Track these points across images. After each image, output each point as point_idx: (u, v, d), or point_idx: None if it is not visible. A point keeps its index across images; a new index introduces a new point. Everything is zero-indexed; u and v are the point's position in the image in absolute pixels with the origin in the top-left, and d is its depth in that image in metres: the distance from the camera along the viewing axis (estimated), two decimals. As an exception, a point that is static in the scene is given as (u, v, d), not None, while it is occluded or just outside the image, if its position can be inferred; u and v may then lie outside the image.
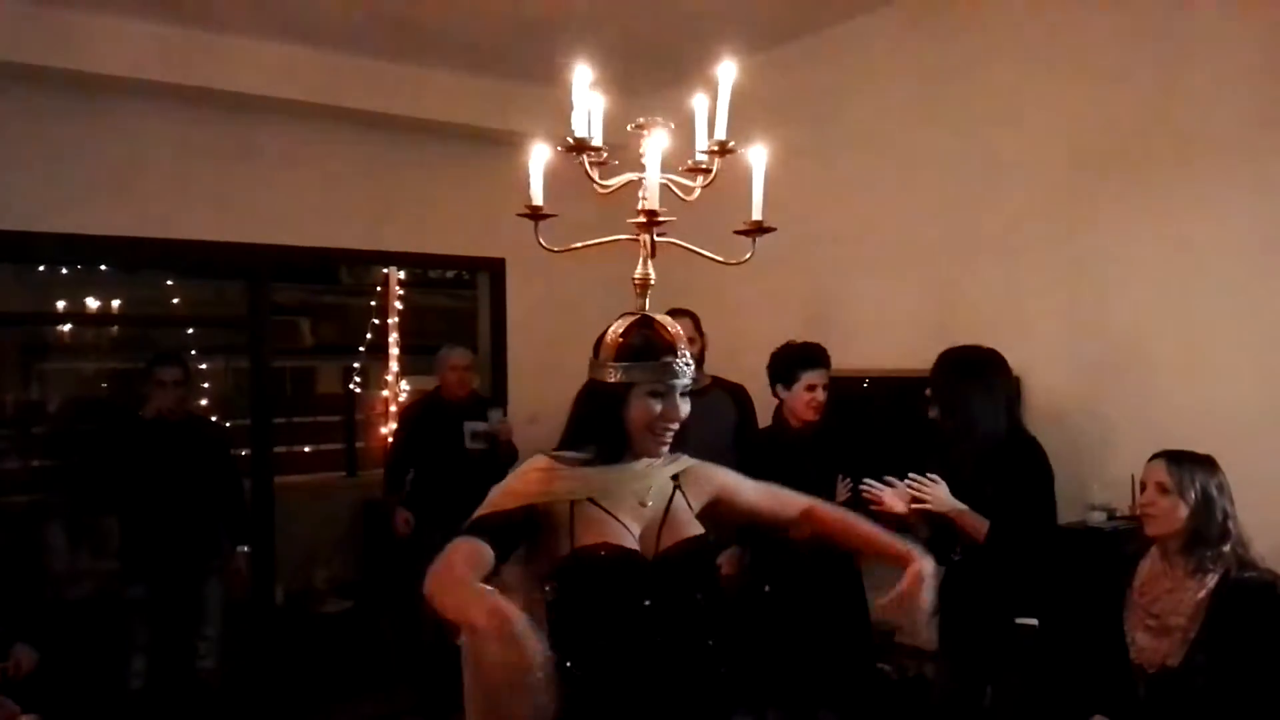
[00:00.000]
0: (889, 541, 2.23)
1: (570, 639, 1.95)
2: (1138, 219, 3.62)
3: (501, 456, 4.81)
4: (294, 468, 6.88)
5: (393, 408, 7.18)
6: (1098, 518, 3.45)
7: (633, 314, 2.03)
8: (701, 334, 4.28)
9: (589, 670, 1.91)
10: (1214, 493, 2.65)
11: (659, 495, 2.03)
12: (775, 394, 3.85)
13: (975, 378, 3.23)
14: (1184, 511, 2.64)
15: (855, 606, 3.77)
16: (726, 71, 2.05)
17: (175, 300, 6.99)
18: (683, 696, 1.94)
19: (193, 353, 6.36)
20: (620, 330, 2.00)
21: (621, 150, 2.09)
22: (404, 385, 7.32)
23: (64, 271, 6.33)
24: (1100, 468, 3.54)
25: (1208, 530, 2.63)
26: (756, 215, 2.14)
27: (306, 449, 7.61)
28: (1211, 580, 2.60)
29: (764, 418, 4.14)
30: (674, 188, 2.12)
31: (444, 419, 5.07)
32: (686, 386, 1.99)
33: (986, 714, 3.26)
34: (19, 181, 4.48)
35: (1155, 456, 2.76)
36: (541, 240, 2.15)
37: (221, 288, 6.95)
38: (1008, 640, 3.12)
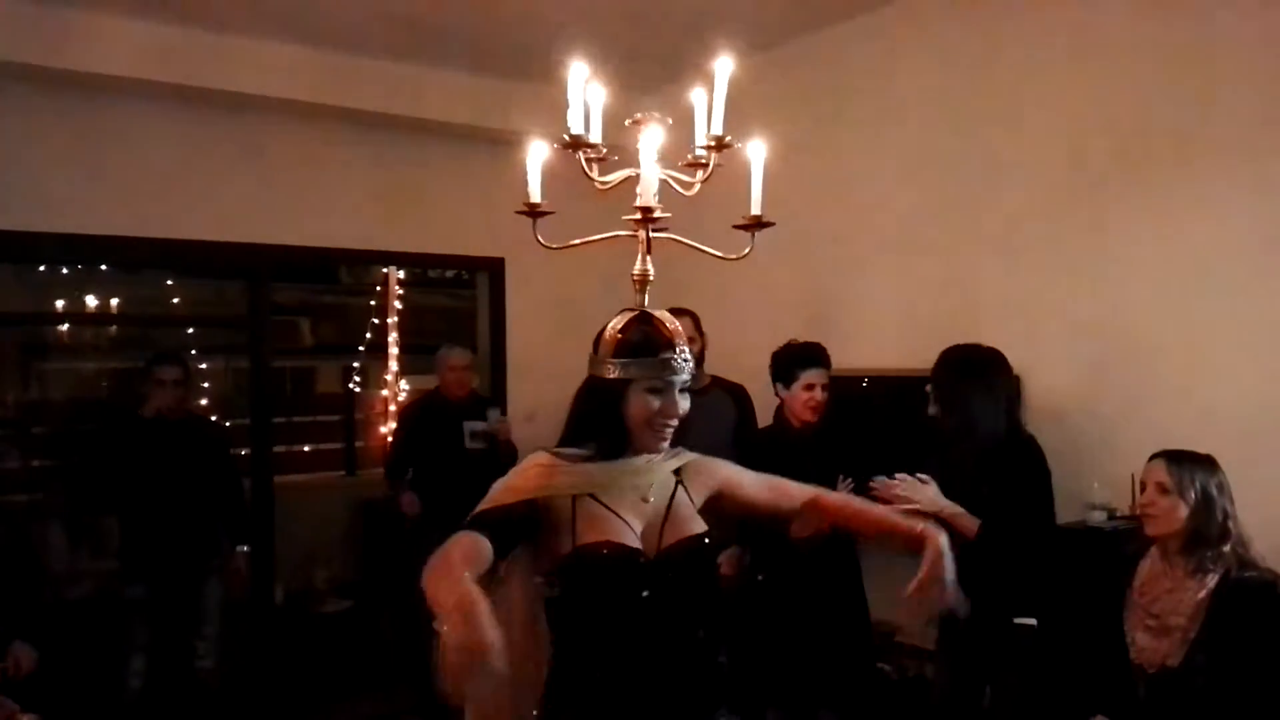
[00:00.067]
0: (899, 521, 2.24)
1: (571, 636, 1.95)
2: (1138, 219, 3.62)
3: (501, 456, 4.81)
4: (294, 467, 6.88)
5: (392, 407, 7.18)
6: (1098, 517, 3.45)
7: (632, 310, 2.03)
8: (701, 334, 4.28)
9: (590, 666, 1.92)
10: (1214, 492, 2.65)
11: (661, 491, 2.03)
12: (776, 393, 3.85)
13: (976, 377, 3.23)
14: (1184, 511, 2.64)
15: (855, 606, 3.77)
16: (723, 66, 2.04)
17: (175, 300, 6.99)
18: (676, 689, 1.94)
19: (192, 352, 6.36)
20: (619, 326, 2.00)
21: (623, 149, 2.09)
22: (403, 385, 7.32)
23: (64, 271, 6.33)
24: (1100, 467, 3.54)
25: (1208, 530, 2.63)
26: (756, 210, 2.14)
27: (306, 448, 7.61)
28: (1212, 580, 2.60)
29: (764, 418, 4.14)
30: (673, 183, 2.12)
31: (443, 418, 5.07)
32: (685, 382, 1.99)
33: (986, 714, 3.27)
34: (19, 181, 4.47)
35: (1155, 456, 2.76)
36: (540, 238, 2.15)
37: (221, 287, 6.95)
38: (1006, 640, 3.13)
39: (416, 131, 5.42)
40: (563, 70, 2.05)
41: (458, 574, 1.62)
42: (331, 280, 8.19)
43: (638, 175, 2.03)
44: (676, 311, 3.65)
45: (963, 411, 3.21)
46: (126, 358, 6.79)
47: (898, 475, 3.14)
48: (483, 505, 1.93)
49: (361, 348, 7.60)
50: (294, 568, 6.00)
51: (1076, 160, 3.80)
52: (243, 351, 5.55)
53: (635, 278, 2.08)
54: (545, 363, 5.23)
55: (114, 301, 7.00)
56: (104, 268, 6.26)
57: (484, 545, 1.80)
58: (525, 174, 2.14)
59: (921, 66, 4.37)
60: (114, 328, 7.40)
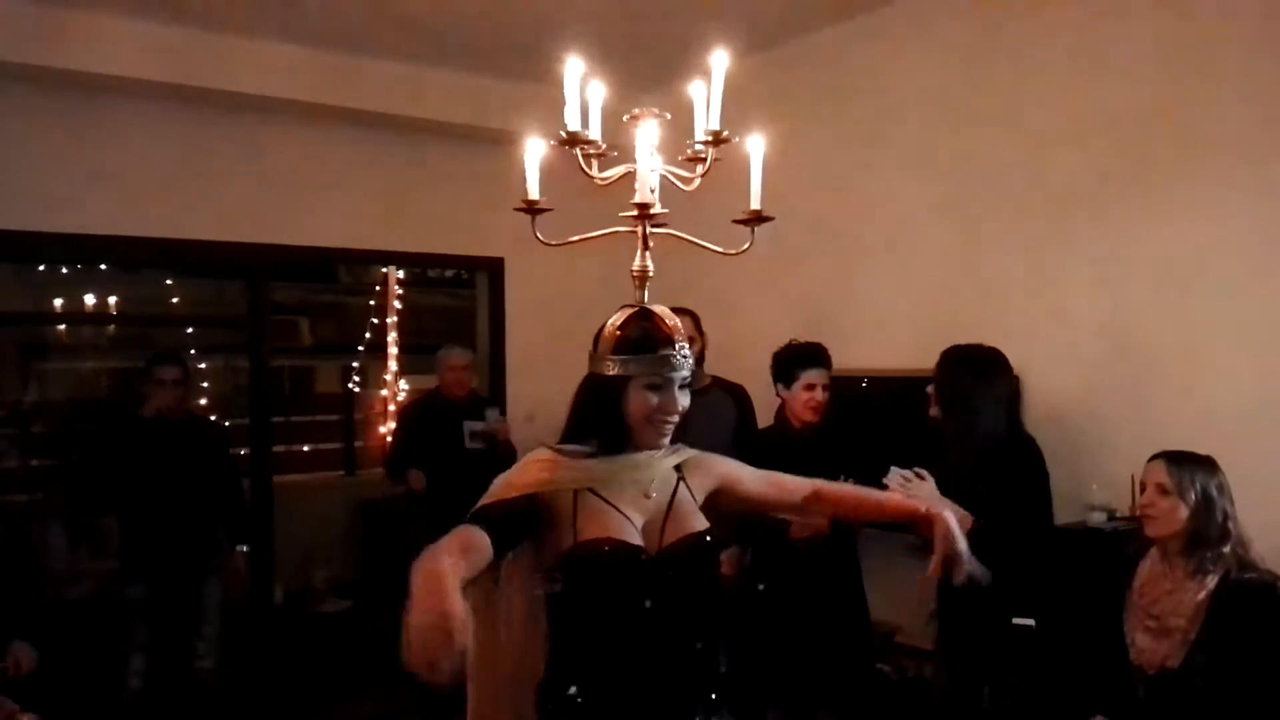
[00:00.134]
0: (903, 503, 2.26)
1: (571, 634, 1.95)
2: (1138, 219, 3.62)
3: (499, 456, 4.81)
4: (293, 467, 6.88)
5: (391, 407, 7.18)
6: (1097, 518, 3.44)
7: (632, 306, 2.04)
8: (701, 333, 4.28)
9: (588, 665, 1.92)
10: (1214, 493, 2.65)
11: (663, 486, 2.03)
12: (777, 393, 3.86)
13: (977, 376, 3.23)
14: (1184, 512, 2.64)
15: (855, 607, 3.77)
16: (719, 60, 2.04)
17: (175, 299, 6.98)
18: (674, 692, 1.93)
19: (192, 352, 6.36)
20: (619, 323, 2.00)
21: (624, 147, 2.09)
22: (403, 384, 7.32)
23: (64, 271, 6.33)
24: (1100, 468, 3.54)
25: (1208, 531, 2.63)
26: (755, 204, 2.14)
27: (305, 448, 7.60)
28: (1211, 581, 2.60)
29: (765, 418, 4.14)
30: (673, 179, 2.12)
31: (443, 418, 5.07)
32: (685, 379, 1.99)
33: (985, 715, 3.27)
34: (19, 181, 4.47)
35: (1155, 457, 2.76)
36: (539, 234, 2.15)
37: (221, 287, 6.94)
38: (1005, 641, 3.12)
39: (416, 131, 5.42)
40: (561, 69, 2.05)
41: (440, 559, 1.62)
42: (331, 280, 8.18)
43: (634, 170, 2.03)
44: (677, 311, 3.66)
45: (963, 411, 3.22)
46: (126, 357, 6.79)
47: (895, 470, 3.14)
48: (483, 500, 1.94)
49: (361, 347, 7.60)
50: (293, 567, 6.00)
51: (1076, 160, 3.80)
52: (242, 351, 5.55)
53: (635, 274, 2.08)
54: (545, 362, 5.23)
55: (113, 301, 6.99)
56: (103, 267, 6.26)
57: (481, 539, 1.80)
58: (524, 173, 2.14)
59: (921, 66, 4.37)
60: (113, 327, 7.39)
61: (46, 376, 6.92)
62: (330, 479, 7.44)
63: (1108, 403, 3.67)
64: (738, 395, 4.34)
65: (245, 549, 4.98)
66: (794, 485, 2.28)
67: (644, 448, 2.00)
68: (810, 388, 3.74)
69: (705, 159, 2.12)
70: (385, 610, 5.89)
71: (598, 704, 1.91)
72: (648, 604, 1.90)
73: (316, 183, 5.25)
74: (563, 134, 2.05)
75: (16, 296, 6.33)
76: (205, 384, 6.44)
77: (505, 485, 1.97)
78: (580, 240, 2.18)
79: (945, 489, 3.12)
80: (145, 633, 4.47)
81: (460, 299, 7.35)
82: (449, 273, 7.62)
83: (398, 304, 7.36)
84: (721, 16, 4.14)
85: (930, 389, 3.35)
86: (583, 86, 2.07)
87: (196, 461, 4.66)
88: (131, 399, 4.86)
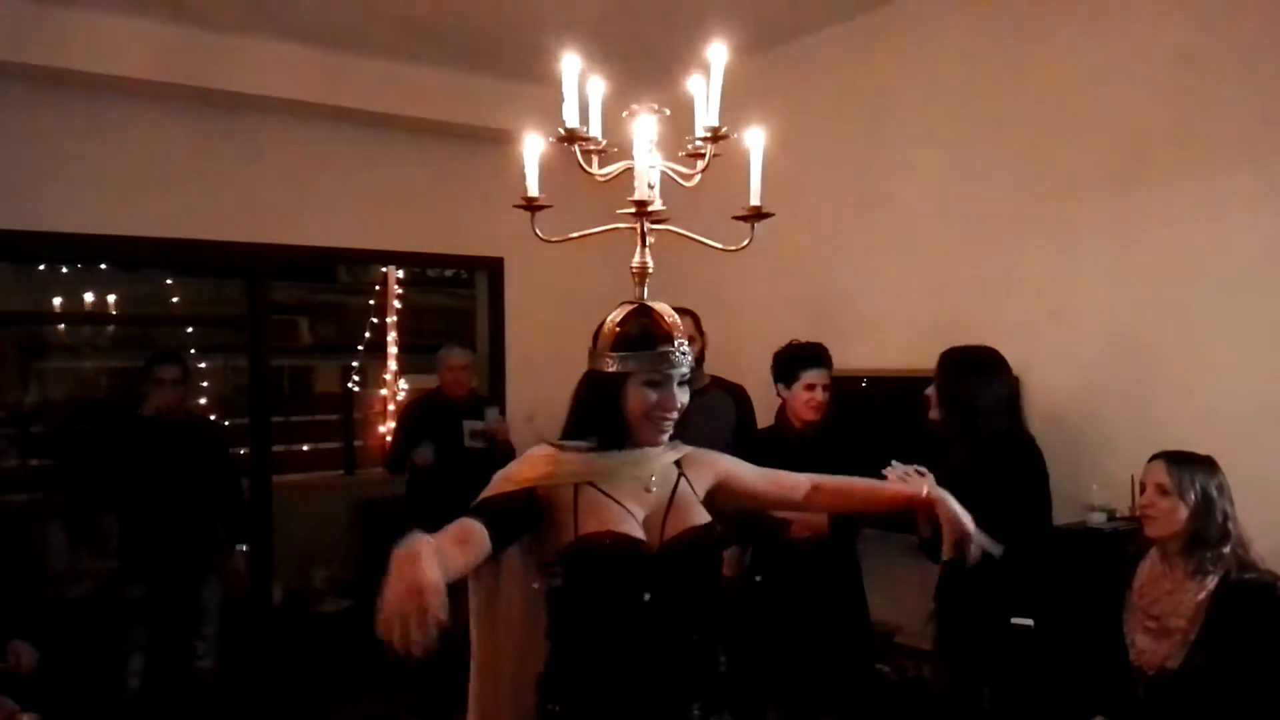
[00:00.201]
0: (902, 489, 2.29)
1: (571, 630, 1.95)
2: (1138, 219, 3.62)
3: (499, 455, 4.81)
4: (292, 466, 6.88)
5: (391, 406, 7.18)
6: (1097, 518, 3.44)
7: (631, 303, 2.04)
8: (702, 333, 4.28)
9: (588, 661, 1.91)
10: (1214, 494, 2.65)
11: (663, 481, 2.03)
12: (778, 393, 3.86)
13: (977, 377, 3.24)
14: (1184, 513, 2.64)
15: (855, 607, 3.77)
16: (717, 53, 2.04)
17: (174, 299, 6.98)
18: (674, 688, 1.93)
19: (192, 351, 6.36)
20: (618, 319, 2.00)
21: (625, 146, 2.09)
22: (402, 384, 7.32)
23: (63, 270, 6.32)
24: (1100, 468, 3.54)
25: (1208, 531, 2.63)
26: (755, 201, 2.14)
27: (305, 448, 7.60)
28: (1211, 582, 2.60)
29: (765, 418, 4.14)
30: (673, 175, 2.12)
31: (444, 417, 5.07)
32: (684, 375, 1.99)
33: (985, 715, 3.27)
34: (19, 181, 4.47)
35: (1155, 457, 2.76)
36: (538, 231, 2.15)
37: (220, 286, 6.94)
38: (1004, 640, 3.12)
39: (416, 131, 5.42)
40: (560, 68, 2.05)
41: (419, 538, 1.62)
42: (330, 279, 8.17)
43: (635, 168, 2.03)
44: (677, 310, 3.67)
45: (963, 412, 3.22)
46: (126, 357, 6.78)
47: (893, 463, 3.14)
48: (483, 494, 1.94)
49: (360, 347, 7.60)
50: (293, 567, 5.99)
51: (1076, 160, 3.80)
52: (242, 350, 5.55)
53: (634, 270, 2.08)
54: (544, 362, 5.23)
55: (113, 301, 6.99)
56: (103, 267, 6.25)
57: (479, 530, 1.80)
58: (524, 171, 2.14)
59: (922, 66, 4.37)
60: (113, 327, 7.39)
61: (46, 376, 6.92)
62: (330, 479, 7.43)
63: (1108, 403, 3.67)
64: (737, 395, 4.34)
65: (245, 548, 4.99)
66: (792, 481, 2.29)
67: (643, 444, 2.00)
68: (810, 388, 3.74)
69: (705, 155, 2.12)
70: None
71: (597, 699, 1.91)
72: (647, 597, 1.90)
73: (316, 183, 5.24)
74: (561, 131, 2.05)
75: (16, 296, 6.32)
76: (205, 384, 6.44)
77: (504, 479, 1.97)
78: (580, 237, 2.18)
79: (945, 489, 3.12)
80: (144, 632, 4.47)
81: (460, 299, 7.35)
82: (449, 272, 7.62)
83: (397, 304, 7.36)
84: (722, 16, 4.13)
85: (929, 391, 3.35)
86: (581, 83, 2.07)
87: (196, 461, 4.66)
88: (131, 399, 4.85)
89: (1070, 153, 3.82)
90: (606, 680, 1.91)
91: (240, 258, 5.18)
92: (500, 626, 2.05)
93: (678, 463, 2.08)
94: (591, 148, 2.09)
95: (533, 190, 2.15)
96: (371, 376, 7.77)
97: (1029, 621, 3.03)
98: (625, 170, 2.07)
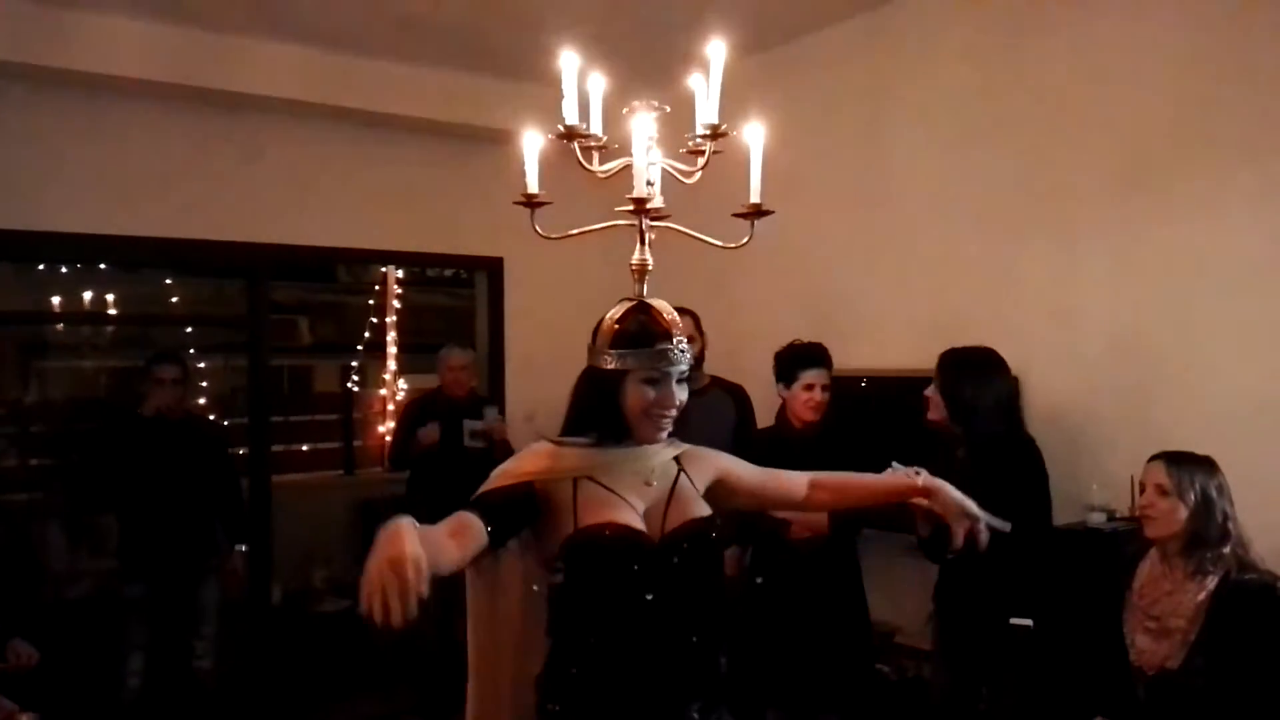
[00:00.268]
0: (900, 480, 2.29)
1: (572, 626, 1.94)
2: (1137, 219, 3.62)
3: (497, 455, 4.81)
4: (292, 466, 6.87)
5: (390, 406, 7.18)
6: (1097, 519, 3.44)
7: (630, 300, 2.04)
8: (701, 333, 4.28)
9: (588, 658, 1.91)
10: (1214, 494, 2.65)
11: (663, 476, 2.03)
12: (779, 393, 3.86)
13: (976, 377, 3.24)
14: (1183, 513, 2.64)
15: (855, 607, 3.77)
16: (716, 50, 2.04)
17: (174, 299, 6.97)
18: (674, 686, 1.92)
19: (191, 351, 6.35)
20: (617, 316, 2.01)
21: (627, 143, 2.09)
22: (401, 384, 7.32)
23: (63, 270, 6.32)
24: (1100, 468, 3.54)
25: (1207, 532, 2.63)
26: (755, 198, 2.14)
27: (304, 448, 7.59)
28: (1211, 582, 2.60)
29: (765, 418, 4.14)
30: (673, 172, 2.12)
31: (444, 417, 5.07)
32: (683, 372, 1.99)
33: (984, 715, 3.27)
34: (19, 181, 4.47)
35: (1154, 458, 2.76)
36: (538, 228, 2.15)
37: (220, 286, 6.93)
38: (1003, 641, 3.12)
39: (416, 131, 5.42)
40: (560, 67, 2.05)
41: (401, 519, 1.63)
42: (330, 279, 8.17)
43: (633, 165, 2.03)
44: (677, 310, 3.68)
45: (962, 412, 3.22)
46: (126, 357, 6.77)
47: (894, 464, 3.14)
48: (482, 489, 1.94)
49: (360, 347, 7.60)
50: (292, 567, 6.00)
51: (1076, 160, 3.80)
52: (241, 350, 5.55)
53: (634, 267, 2.08)
54: (544, 362, 5.22)
55: (113, 300, 6.98)
56: (103, 267, 6.25)
57: (475, 523, 1.80)
58: (524, 169, 2.14)
59: (922, 66, 4.37)
60: (113, 327, 7.39)
61: (46, 376, 6.91)
62: (329, 478, 7.42)
63: (1108, 403, 3.67)
64: (737, 395, 4.34)
65: (244, 548, 4.99)
66: (793, 479, 2.30)
67: (642, 441, 2.00)
68: (809, 388, 3.74)
69: (705, 152, 2.12)
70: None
71: (596, 699, 1.90)
72: (649, 597, 1.89)
73: (316, 182, 5.24)
74: (561, 127, 2.05)
75: (16, 296, 6.32)
76: (204, 383, 6.44)
77: (503, 474, 1.98)
78: (579, 234, 2.18)
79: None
80: (144, 632, 4.47)
81: (460, 298, 7.34)
82: (448, 272, 7.62)
83: (397, 303, 7.36)
84: (722, 16, 4.13)
85: (929, 391, 3.35)
86: (581, 80, 2.07)
87: (195, 461, 4.66)
88: (131, 398, 4.86)
89: (1070, 153, 3.82)
90: (606, 680, 1.90)
91: (240, 258, 5.17)
92: (500, 625, 2.04)
93: (677, 459, 2.08)
94: (592, 144, 2.09)
95: (532, 187, 2.15)
96: (371, 376, 7.77)
97: (1028, 621, 3.03)
98: (625, 167, 2.07)
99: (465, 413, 5.04)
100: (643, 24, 4.53)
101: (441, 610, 4.42)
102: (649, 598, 1.89)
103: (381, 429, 7.29)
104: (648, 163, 2.00)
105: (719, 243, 2.18)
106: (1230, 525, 2.64)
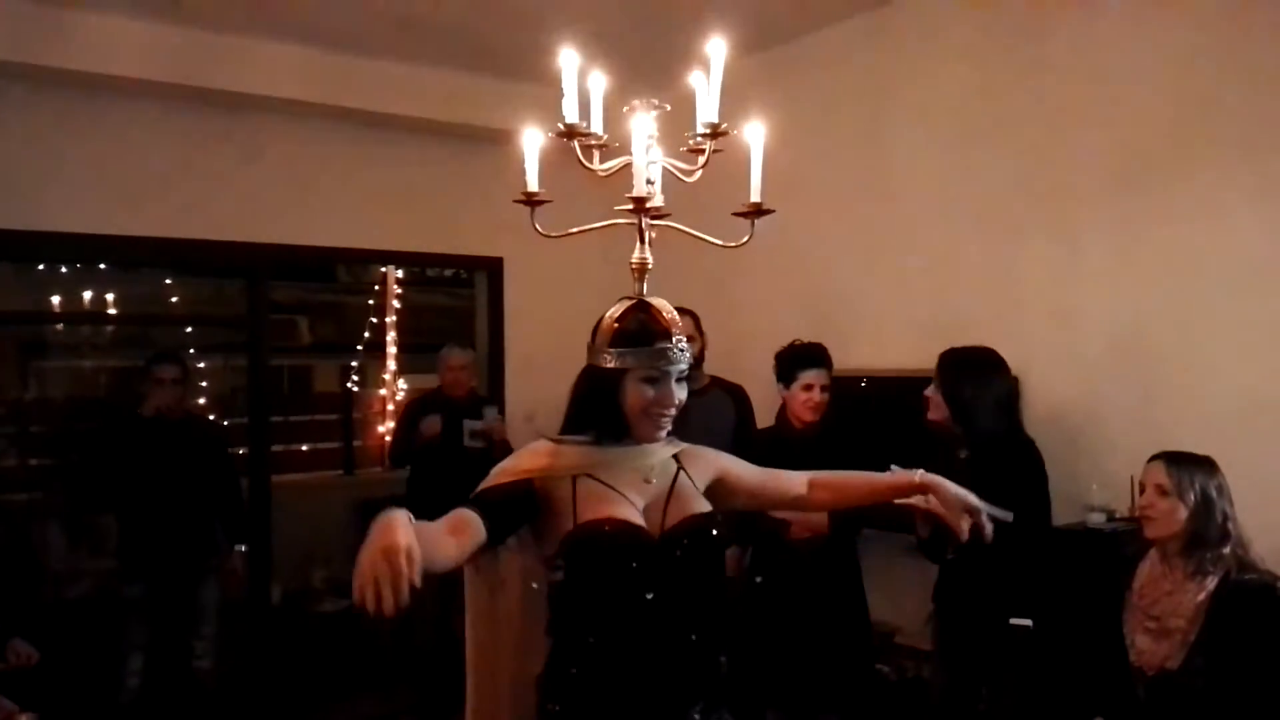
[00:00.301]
0: (899, 476, 2.28)
1: (572, 624, 1.94)
2: (1137, 219, 3.62)
3: (496, 455, 4.80)
4: (291, 466, 6.87)
5: (390, 406, 7.18)
6: (1097, 519, 3.44)
7: (630, 298, 2.04)
8: (701, 333, 4.28)
9: (589, 656, 1.90)
10: (1213, 494, 2.65)
11: (663, 473, 2.03)
12: (780, 393, 3.86)
13: (975, 377, 3.23)
14: (1183, 513, 2.64)
15: (855, 607, 3.77)
16: (716, 48, 2.03)
17: (174, 299, 6.97)
18: (674, 685, 1.92)
19: (191, 351, 6.35)
20: (616, 315, 2.01)
21: (628, 142, 2.09)
22: (401, 384, 7.32)
23: (63, 270, 6.32)
24: (1099, 468, 3.54)
25: (1207, 532, 2.63)
26: (755, 197, 2.13)
27: (304, 447, 7.59)
28: (1211, 582, 2.60)
29: (765, 418, 4.14)
30: (674, 171, 2.12)
31: (444, 417, 5.07)
32: (682, 371, 1.99)
33: (984, 715, 3.26)
34: (19, 181, 4.47)
35: (1154, 458, 2.76)
36: (538, 227, 2.15)
37: (220, 286, 6.93)
38: (1003, 641, 3.12)
39: (416, 131, 5.42)
40: (560, 66, 2.05)
41: (394, 510, 1.63)
42: (330, 279, 8.17)
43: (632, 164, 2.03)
44: (677, 310, 3.67)
45: (962, 413, 3.22)
46: (125, 357, 6.77)
47: (894, 468, 3.14)
48: (481, 486, 1.95)
49: (360, 347, 7.60)
50: (292, 567, 5.99)
51: (1076, 160, 3.80)
52: (241, 350, 5.55)
53: (633, 266, 2.08)
54: (544, 362, 5.22)
55: (112, 300, 6.98)
56: (103, 267, 6.26)
57: (473, 519, 1.80)
58: (524, 169, 2.14)
59: (922, 66, 4.37)
60: (113, 327, 7.39)
61: (46, 375, 6.91)
62: (329, 478, 7.42)
63: (1108, 403, 3.67)
64: (737, 395, 4.34)
65: (243, 548, 4.99)
66: (793, 478, 2.30)
67: (641, 440, 2.00)
68: (809, 388, 3.74)
69: (705, 150, 2.12)
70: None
71: (597, 699, 1.90)
72: (649, 595, 1.89)
73: (316, 182, 5.24)
74: (561, 126, 2.05)
75: (16, 296, 6.32)
76: (204, 383, 6.44)
77: (502, 472, 1.98)
78: (579, 232, 2.18)
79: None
80: (143, 632, 4.47)
81: (459, 298, 7.34)
82: (448, 272, 7.62)
83: (397, 303, 7.36)
84: (722, 15, 4.13)
85: (929, 391, 3.35)
86: (581, 79, 2.06)
87: (195, 461, 4.66)
88: (131, 398, 4.86)
89: (1070, 153, 3.81)
90: (606, 680, 1.90)
91: (240, 257, 5.17)
92: (499, 624, 2.04)
93: (676, 457, 2.08)
94: (592, 143, 2.09)
95: (532, 185, 2.15)
96: (371, 376, 7.77)
97: (1028, 622, 3.03)
98: (625, 166, 2.07)
99: (465, 413, 5.05)
100: (643, 22, 4.53)
101: (440, 609, 4.43)
102: (649, 596, 1.89)
103: (381, 429, 7.29)
104: (648, 161, 2.00)
105: (719, 242, 2.18)
106: (1230, 525, 2.64)
